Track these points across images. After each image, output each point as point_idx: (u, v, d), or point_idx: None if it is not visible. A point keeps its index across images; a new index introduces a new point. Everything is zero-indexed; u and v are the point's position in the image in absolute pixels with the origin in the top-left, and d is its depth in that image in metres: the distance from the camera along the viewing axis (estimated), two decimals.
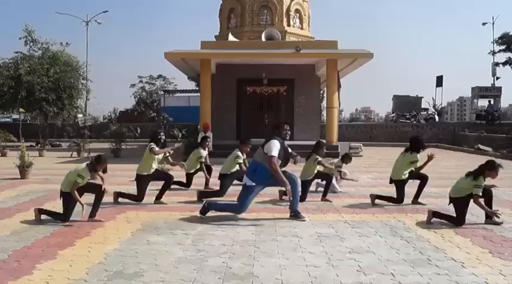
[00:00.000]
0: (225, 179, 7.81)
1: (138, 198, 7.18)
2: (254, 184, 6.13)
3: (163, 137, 7.46)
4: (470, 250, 4.81)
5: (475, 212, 6.61)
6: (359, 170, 12.46)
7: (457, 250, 4.82)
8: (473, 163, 13.94)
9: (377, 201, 7.40)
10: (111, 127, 19.68)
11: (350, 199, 7.86)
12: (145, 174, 7.21)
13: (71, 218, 6.01)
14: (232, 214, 6.41)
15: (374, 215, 6.55)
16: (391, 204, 7.29)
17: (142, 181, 7.22)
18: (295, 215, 6.26)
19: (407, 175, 7.28)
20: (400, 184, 7.26)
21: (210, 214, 6.40)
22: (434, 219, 6.03)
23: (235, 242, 5.05)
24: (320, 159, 7.70)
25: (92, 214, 6.04)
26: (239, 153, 8.05)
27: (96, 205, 6.08)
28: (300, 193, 6.77)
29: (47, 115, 23.09)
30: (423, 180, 7.42)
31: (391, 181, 7.44)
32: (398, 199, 7.21)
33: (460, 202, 5.93)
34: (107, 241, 5.09)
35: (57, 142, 23.83)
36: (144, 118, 35.64)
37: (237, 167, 8.03)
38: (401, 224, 5.98)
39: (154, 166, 7.31)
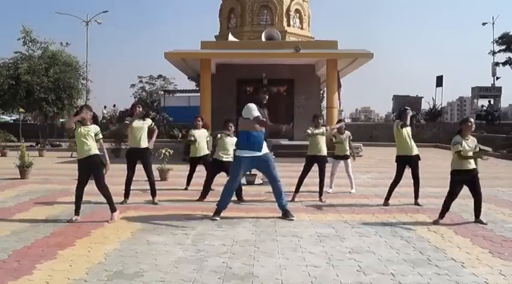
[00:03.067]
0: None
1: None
2: (244, 155, 6.15)
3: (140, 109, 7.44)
4: (470, 250, 4.81)
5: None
6: (359, 170, 12.47)
7: (457, 250, 4.82)
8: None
9: (376, 201, 7.41)
10: (111, 127, 19.67)
11: (350, 199, 7.86)
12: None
13: (70, 218, 6.04)
14: (232, 214, 6.42)
15: (374, 216, 6.55)
16: (395, 203, 7.30)
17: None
18: (284, 214, 6.29)
19: None
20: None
21: (210, 214, 6.40)
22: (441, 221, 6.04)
23: (235, 242, 5.05)
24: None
25: (112, 210, 6.12)
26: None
27: (108, 201, 6.13)
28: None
29: (46, 115, 23.07)
30: (416, 179, 7.40)
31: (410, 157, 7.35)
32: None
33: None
34: (107, 241, 5.09)
35: (57, 142, 23.83)
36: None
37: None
38: (401, 224, 5.98)
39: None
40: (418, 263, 4.37)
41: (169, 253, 4.65)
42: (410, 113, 7.41)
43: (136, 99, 45.95)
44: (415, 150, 7.39)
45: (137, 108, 7.43)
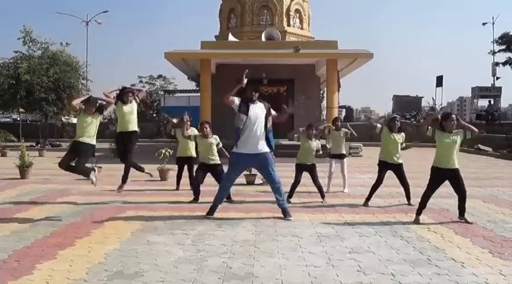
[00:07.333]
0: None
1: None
2: (237, 151, 6.18)
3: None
4: (470, 250, 4.81)
5: (474, 212, 6.62)
6: (359, 170, 12.47)
7: (457, 250, 4.82)
8: (472, 163, 13.93)
9: (376, 201, 7.41)
10: (111, 127, 19.68)
11: (350, 199, 7.85)
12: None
13: (71, 219, 6.04)
14: (232, 214, 6.43)
15: (374, 216, 6.55)
16: (392, 203, 7.30)
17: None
18: (284, 213, 6.29)
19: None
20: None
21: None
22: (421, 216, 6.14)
23: (235, 242, 5.05)
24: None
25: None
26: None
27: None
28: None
29: (47, 115, 23.07)
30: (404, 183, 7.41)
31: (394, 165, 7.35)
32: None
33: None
34: (107, 241, 5.09)
35: (57, 142, 23.83)
36: (144, 118, 35.57)
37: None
38: (401, 224, 5.98)
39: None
40: (418, 263, 4.37)
41: (169, 253, 4.65)
42: (398, 124, 7.38)
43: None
44: (399, 159, 7.33)
45: (129, 97, 7.45)
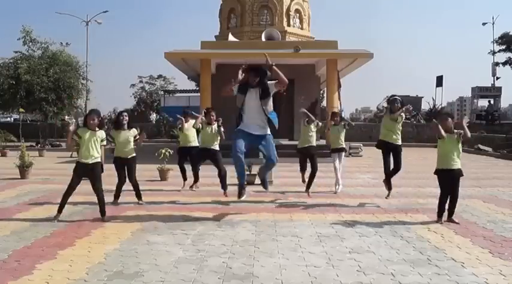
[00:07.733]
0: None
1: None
2: (241, 128, 6.18)
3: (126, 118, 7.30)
4: (470, 250, 4.81)
5: (474, 212, 6.62)
6: (359, 170, 12.47)
7: (457, 250, 4.82)
8: (472, 163, 13.92)
9: (376, 201, 7.41)
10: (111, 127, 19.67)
11: (350, 199, 7.85)
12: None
13: (71, 219, 6.04)
14: (233, 215, 6.44)
15: (374, 216, 6.55)
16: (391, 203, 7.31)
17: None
18: (263, 183, 6.57)
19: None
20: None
21: (210, 214, 6.42)
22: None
23: (235, 242, 5.05)
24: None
25: (102, 214, 6.10)
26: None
27: (101, 204, 6.11)
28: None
29: (47, 115, 23.08)
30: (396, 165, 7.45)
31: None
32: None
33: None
34: (107, 241, 5.09)
35: (57, 142, 23.85)
36: (144, 118, 35.58)
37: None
38: (401, 224, 5.97)
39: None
40: (418, 263, 4.37)
41: (169, 253, 4.65)
42: (397, 106, 7.31)
43: (136, 99, 45.97)
44: (393, 140, 7.34)
45: (124, 117, 7.24)
